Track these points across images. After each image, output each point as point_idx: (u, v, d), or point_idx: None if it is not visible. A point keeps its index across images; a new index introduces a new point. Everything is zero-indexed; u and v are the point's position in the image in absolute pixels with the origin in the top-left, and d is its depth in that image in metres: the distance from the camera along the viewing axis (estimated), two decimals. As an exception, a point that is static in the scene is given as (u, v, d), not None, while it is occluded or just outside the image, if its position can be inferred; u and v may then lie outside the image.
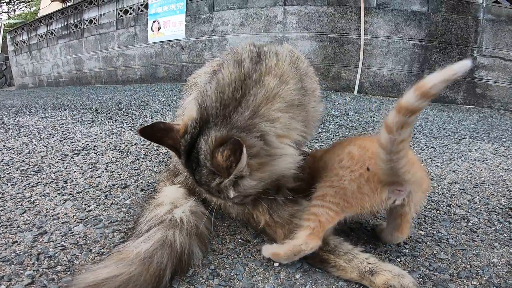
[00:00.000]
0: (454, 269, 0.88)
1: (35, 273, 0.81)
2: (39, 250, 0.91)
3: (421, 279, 0.83)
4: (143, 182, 1.38)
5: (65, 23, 8.29)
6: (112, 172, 1.50)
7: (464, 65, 0.55)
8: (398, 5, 4.48)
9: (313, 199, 0.86)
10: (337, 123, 2.59)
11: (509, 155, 1.97)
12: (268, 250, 0.88)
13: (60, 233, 1.00)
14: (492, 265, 0.90)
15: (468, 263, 0.91)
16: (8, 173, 1.49)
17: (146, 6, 6.65)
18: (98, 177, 1.44)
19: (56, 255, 0.89)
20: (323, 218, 0.81)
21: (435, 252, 0.95)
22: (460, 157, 1.87)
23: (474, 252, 0.96)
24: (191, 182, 0.97)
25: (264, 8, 5.30)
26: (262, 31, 5.31)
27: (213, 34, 5.85)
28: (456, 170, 1.65)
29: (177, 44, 6.30)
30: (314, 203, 0.84)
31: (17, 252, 0.90)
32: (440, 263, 0.90)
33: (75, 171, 1.51)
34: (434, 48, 4.37)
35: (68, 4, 10.47)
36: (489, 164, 1.78)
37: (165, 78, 6.62)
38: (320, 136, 2.14)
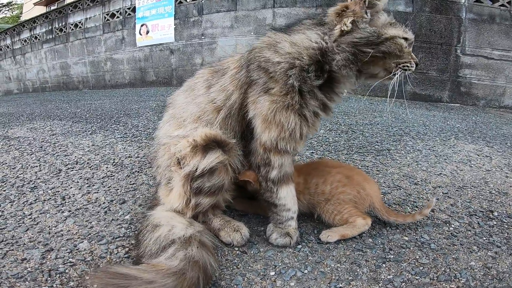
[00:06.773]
0: (434, 273, 0.94)
1: (47, 291, 0.84)
2: (49, 267, 0.94)
3: (403, 283, 0.89)
4: (141, 197, 1.41)
5: (50, 27, 8.14)
6: (108, 187, 1.52)
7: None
8: (384, 5, 4.57)
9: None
10: (328, 128, 2.65)
11: (492, 155, 2.06)
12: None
13: (66, 249, 1.03)
14: (469, 268, 0.96)
15: (448, 267, 0.97)
16: (4, 190, 1.49)
17: (134, 10, 6.59)
18: (95, 192, 1.46)
19: (67, 271, 0.93)
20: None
21: (417, 257, 1.02)
22: (445, 159, 1.95)
23: (453, 256, 1.02)
24: None
25: (254, 11, 5.33)
26: (252, 33, 5.34)
27: (202, 37, 5.85)
28: (440, 173, 1.73)
29: (166, 48, 6.28)
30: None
31: (28, 269, 0.93)
32: (422, 267, 0.97)
33: (71, 187, 1.52)
34: (419, 48, 4.48)
35: (52, 8, 10.27)
36: (472, 166, 1.86)
37: (155, 82, 6.59)
38: (311, 143, 2.19)
